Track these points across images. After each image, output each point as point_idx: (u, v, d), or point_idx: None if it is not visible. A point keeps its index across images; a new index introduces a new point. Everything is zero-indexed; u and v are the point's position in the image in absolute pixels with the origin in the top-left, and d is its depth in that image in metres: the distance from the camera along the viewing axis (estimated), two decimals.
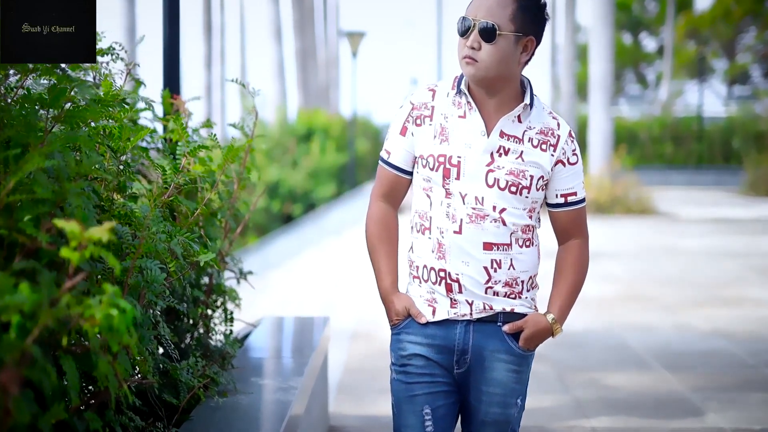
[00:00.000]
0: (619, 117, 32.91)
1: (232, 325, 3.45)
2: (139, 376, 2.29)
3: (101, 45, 2.71)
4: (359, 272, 9.92)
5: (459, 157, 2.60)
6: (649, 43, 48.10)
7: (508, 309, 2.66)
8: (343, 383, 5.69)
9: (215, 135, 3.31)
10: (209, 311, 3.36)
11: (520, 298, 2.67)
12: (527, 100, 2.63)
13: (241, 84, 3.25)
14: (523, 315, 2.68)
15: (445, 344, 2.66)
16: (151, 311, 2.34)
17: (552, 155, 2.64)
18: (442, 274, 2.63)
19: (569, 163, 2.67)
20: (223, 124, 22.28)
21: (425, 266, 2.67)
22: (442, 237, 2.62)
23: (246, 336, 4.05)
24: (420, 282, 2.70)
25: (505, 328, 2.66)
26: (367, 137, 29.29)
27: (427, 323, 2.67)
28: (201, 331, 3.33)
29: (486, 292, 2.63)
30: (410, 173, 2.72)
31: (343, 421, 4.92)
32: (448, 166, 2.60)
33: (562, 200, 2.70)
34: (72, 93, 2.09)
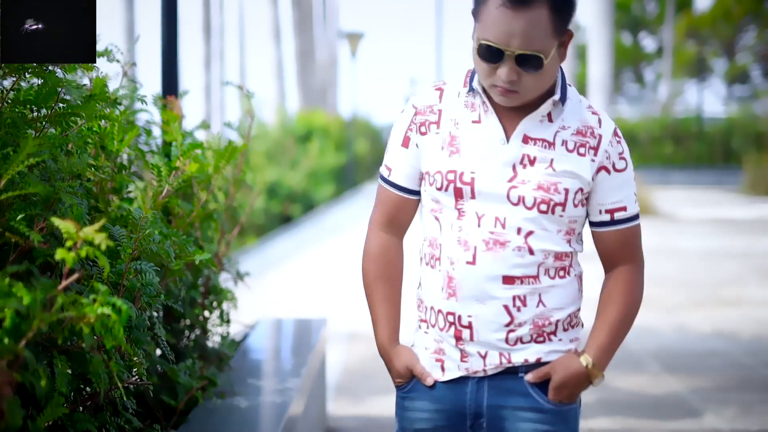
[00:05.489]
0: (619, 117, 32.94)
1: (229, 327, 3.45)
2: (136, 378, 2.29)
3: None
4: (358, 273, 9.86)
5: (472, 173, 2.07)
6: (648, 43, 48.11)
7: (532, 360, 2.12)
8: (342, 384, 5.69)
9: (218, 134, 3.31)
10: (206, 313, 3.36)
11: (551, 341, 2.13)
12: (558, 95, 2.07)
13: (238, 87, 3.25)
14: None
15: (456, 408, 2.16)
16: (147, 313, 2.34)
17: (593, 160, 2.08)
18: (450, 318, 2.11)
19: (615, 170, 2.11)
20: (222, 124, 22.22)
21: (432, 308, 2.16)
22: (453, 269, 2.09)
23: (244, 337, 4.05)
24: (428, 327, 2.19)
25: (528, 377, 2.12)
26: (366, 138, 29.40)
27: (435, 383, 2.17)
28: (198, 332, 3.33)
29: (507, 339, 2.10)
30: (417, 192, 2.19)
31: (341, 422, 4.92)
32: (459, 184, 2.07)
33: (607, 217, 2.14)
34: (62, 95, 2.08)
